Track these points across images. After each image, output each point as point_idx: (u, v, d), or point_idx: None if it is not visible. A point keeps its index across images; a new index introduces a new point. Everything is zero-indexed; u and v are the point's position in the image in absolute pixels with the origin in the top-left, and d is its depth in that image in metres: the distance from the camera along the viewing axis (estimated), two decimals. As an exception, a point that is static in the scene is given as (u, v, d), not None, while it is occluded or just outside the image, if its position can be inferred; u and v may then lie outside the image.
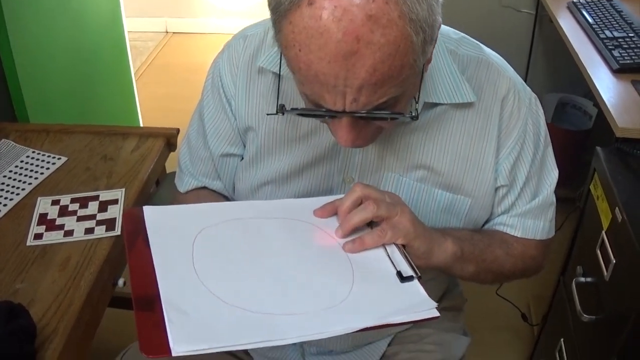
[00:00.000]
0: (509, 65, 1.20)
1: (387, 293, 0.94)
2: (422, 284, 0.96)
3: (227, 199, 1.32)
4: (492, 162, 1.15)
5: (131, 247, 0.96)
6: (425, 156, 1.14)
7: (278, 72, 1.11)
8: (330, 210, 1.05)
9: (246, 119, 1.20)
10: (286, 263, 0.97)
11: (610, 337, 1.46)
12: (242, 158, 1.25)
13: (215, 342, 0.80)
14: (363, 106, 0.89)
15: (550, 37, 2.72)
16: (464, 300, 1.50)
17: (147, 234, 0.97)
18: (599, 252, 1.57)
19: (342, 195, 1.05)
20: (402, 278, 0.96)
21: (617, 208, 1.47)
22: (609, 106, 1.76)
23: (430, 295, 1.23)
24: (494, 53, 1.20)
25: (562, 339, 1.84)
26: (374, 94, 0.87)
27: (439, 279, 1.34)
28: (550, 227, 1.26)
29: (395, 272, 0.97)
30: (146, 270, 0.90)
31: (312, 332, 0.85)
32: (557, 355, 1.86)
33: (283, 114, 0.98)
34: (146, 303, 0.85)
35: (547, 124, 2.91)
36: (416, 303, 0.92)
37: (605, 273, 1.50)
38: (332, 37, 0.82)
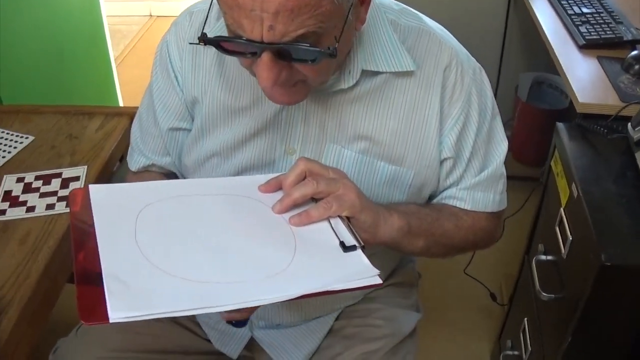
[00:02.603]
0: (451, 36, 1.21)
1: (328, 262, 0.96)
2: (365, 254, 0.97)
3: (176, 175, 1.34)
4: (435, 133, 1.16)
5: (76, 225, 0.97)
6: (367, 127, 1.15)
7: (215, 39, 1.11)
8: (275, 185, 1.06)
9: (192, 90, 1.21)
10: (227, 235, 0.99)
11: (567, 316, 1.46)
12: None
13: (152, 309, 0.82)
14: (280, 36, 0.89)
15: (525, 16, 2.72)
16: (416, 276, 1.51)
17: (92, 212, 0.98)
18: (557, 229, 1.57)
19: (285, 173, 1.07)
20: (345, 248, 0.97)
21: (573, 184, 1.47)
22: (571, 82, 1.77)
23: (382, 269, 1.26)
24: (436, 24, 1.21)
25: (525, 319, 1.86)
26: (290, 23, 0.87)
27: (389, 254, 1.34)
28: (501, 199, 1.27)
29: (338, 242, 0.98)
30: (89, 245, 0.92)
31: (249, 299, 0.87)
32: (521, 335, 1.87)
33: (205, 43, 0.97)
34: (88, 277, 0.87)
35: (522, 103, 2.94)
36: (358, 271, 0.94)
37: (562, 251, 1.51)
38: None
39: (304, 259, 0.95)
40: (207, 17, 1.06)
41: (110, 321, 0.79)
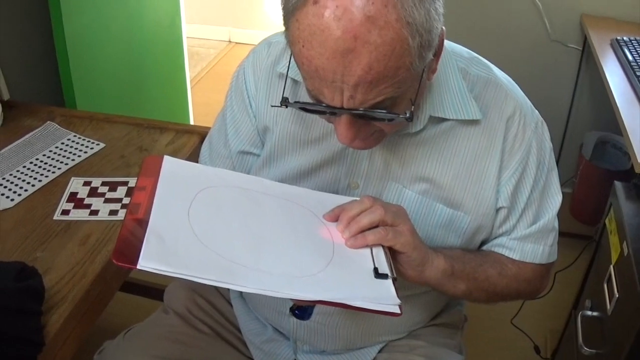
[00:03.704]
0: (518, 88, 1.23)
1: (357, 281, 0.99)
2: (395, 286, 0.99)
3: None
4: (493, 181, 1.18)
5: (142, 180, 1.04)
6: (429, 169, 1.18)
7: (291, 77, 1.17)
8: (338, 215, 1.09)
9: (265, 118, 1.26)
10: (271, 230, 1.04)
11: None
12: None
13: (178, 269, 0.88)
14: (360, 104, 0.93)
15: (595, 75, 2.72)
16: (462, 319, 1.52)
17: (158, 178, 1.05)
18: (605, 286, 1.57)
19: (350, 198, 1.11)
20: (377, 274, 1.00)
21: (625, 242, 1.47)
22: (633, 143, 1.77)
23: (428, 309, 1.27)
24: (504, 75, 1.23)
25: (567, 374, 1.84)
26: (369, 92, 0.92)
27: (439, 295, 1.34)
28: (551, 252, 1.27)
29: (372, 267, 1.01)
30: (146, 202, 0.99)
31: (270, 289, 0.91)
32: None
33: (287, 106, 1.03)
34: (134, 226, 0.93)
35: (585, 162, 2.92)
36: (381, 296, 0.96)
37: (608, 307, 1.50)
38: (331, 34, 0.87)
39: (335, 270, 0.99)
40: (288, 60, 1.10)
41: (138, 267, 0.86)
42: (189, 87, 3.32)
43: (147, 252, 0.88)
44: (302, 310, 1.14)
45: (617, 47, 2.38)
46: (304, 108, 1.02)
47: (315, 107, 0.99)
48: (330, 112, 0.98)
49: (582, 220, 2.96)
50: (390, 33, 0.87)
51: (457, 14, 2.87)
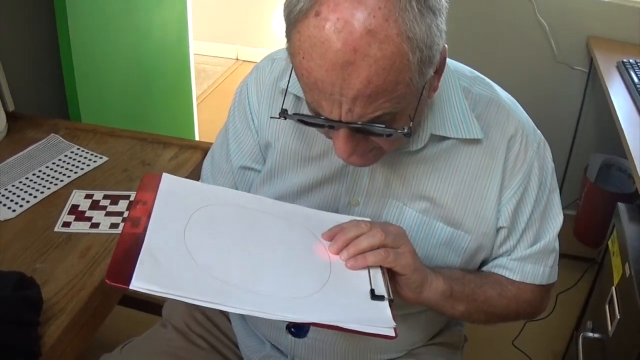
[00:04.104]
0: (520, 108, 1.23)
1: (352, 303, 0.98)
2: (391, 308, 0.98)
3: None
4: (494, 201, 1.18)
5: (139, 198, 1.04)
6: (430, 188, 1.18)
7: (293, 93, 1.18)
8: (335, 234, 1.08)
9: (267, 134, 1.26)
10: (268, 251, 1.03)
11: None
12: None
13: (170, 289, 0.88)
14: (358, 117, 0.93)
15: (601, 98, 2.72)
16: (462, 338, 1.50)
17: (156, 195, 1.05)
18: (607, 307, 1.56)
19: (351, 217, 1.11)
20: (374, 296, 0.99)
21: (627, 263, 1.47)
22: (637, 166, 1.76)
23: (427, 328, 1.26)
24: (507, 95, 1.23)
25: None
26: (368, 106, 0.92)
27: (438, 314, 1.33)
28: (551, 273, 1.26)
29: (369, 289, 1.00)
30: (142, 221, 0.99)
31: (264, 311, 0.90)
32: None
33: (285, 118, 1.03)
34: (128, 246, 0.93)
35: (589, 184, 2.91)
36: (377, 319, 0.95)
37: (609, 328, 1.50)
38: (331, 46, 0.87)
39: (331, 292, 0.98)
40: (289, 76, 1.10)
41: (130, 287, 0.86)
42: (194, 103, 3.33)
43: (140, 272, 0.88)
44: (298, 328, 1.13)
45: (623, 69, 2.38)
46: (302, 120, 1.02)
47: (313, 120, 0.99)
48: (329, 125, 0.98)
49: (585, 242, 2.95)
50: (390, 47, 0.87)
51: (463, 34, 2.88)
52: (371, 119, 0.94)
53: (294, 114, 1.02)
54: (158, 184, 1.08)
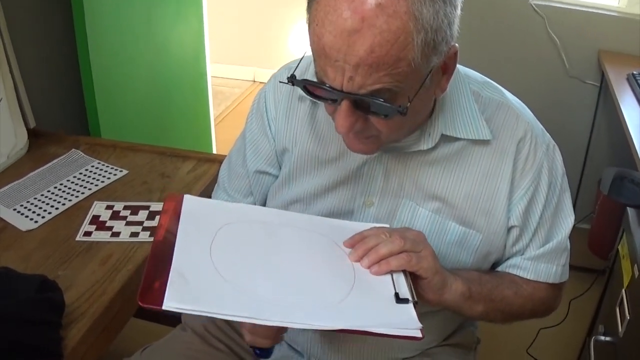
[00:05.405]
0: (529, 111, 1.26)
1: (379, 307, 1.01)
2: (416, 310, 1.01)
3: None
4: (504, 201, 1.20)
5: (162, 222, 1.09)
6: (442, 189, 1.21)
7: (308, 97, 1.20)
8: (356, 242, 1.12)
9: (284, 140, 1.30)
10: (293, 262, 1.07)
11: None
12: (276, 178, 1.35)
13: (200, 306, 0.91)
14: (358, 87, 0.97)
15: (613, 111, 2.74)
16: (475, 340, 1.52)
17: (180, 215, 1.10)
18: (617, 309, 1.58)
19: (370, 225, 1.15)
20: (399, 299, 1.02)
21: (636, 265, 1.48)
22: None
23: (442, 328, 1.28)
24: (516, 99, 1.26)
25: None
26: (368, 77, 0.96)
27: (451, 315, 1.36)
28: (563, 271, 1.29)
29: (393, 293, 1.03)
30: (168, 241, 1.03)
31: (295, 321, 0.94)
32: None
33: (293, 84, 1.08)
34: (157, 268, 0.97)
35: (602, 197, 2.90)
36: (403, 321, 0.98)
37: (620, 330, 1.51)
38: (342, 14, 0.93)
39: (357, 298, 1.01)
40: (297, 64, 1.17)
41: (163, 307, 0.89)
42: (212, 124, 3.37)
43: (171, 292, 0.92)
44: (262, 349, 1.16)
45: (634, 81, 2.40)
46: (307, 87, 1.07)
47: (317, 85, 1.03)
48: (332, 97, 1.02)
49: (600, 254, 2.92)
50: (396, 22, 0.92)
51: (474, 50, 2.91)
52: (371, 92, 0.98)
53: (303, 79, 1.07)
54: (180, 205, 1.12)
